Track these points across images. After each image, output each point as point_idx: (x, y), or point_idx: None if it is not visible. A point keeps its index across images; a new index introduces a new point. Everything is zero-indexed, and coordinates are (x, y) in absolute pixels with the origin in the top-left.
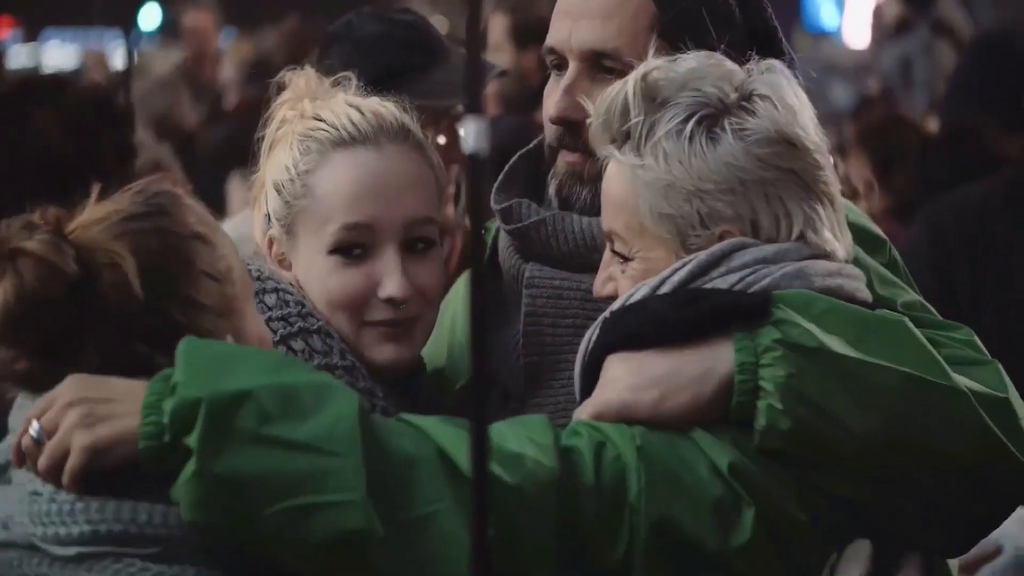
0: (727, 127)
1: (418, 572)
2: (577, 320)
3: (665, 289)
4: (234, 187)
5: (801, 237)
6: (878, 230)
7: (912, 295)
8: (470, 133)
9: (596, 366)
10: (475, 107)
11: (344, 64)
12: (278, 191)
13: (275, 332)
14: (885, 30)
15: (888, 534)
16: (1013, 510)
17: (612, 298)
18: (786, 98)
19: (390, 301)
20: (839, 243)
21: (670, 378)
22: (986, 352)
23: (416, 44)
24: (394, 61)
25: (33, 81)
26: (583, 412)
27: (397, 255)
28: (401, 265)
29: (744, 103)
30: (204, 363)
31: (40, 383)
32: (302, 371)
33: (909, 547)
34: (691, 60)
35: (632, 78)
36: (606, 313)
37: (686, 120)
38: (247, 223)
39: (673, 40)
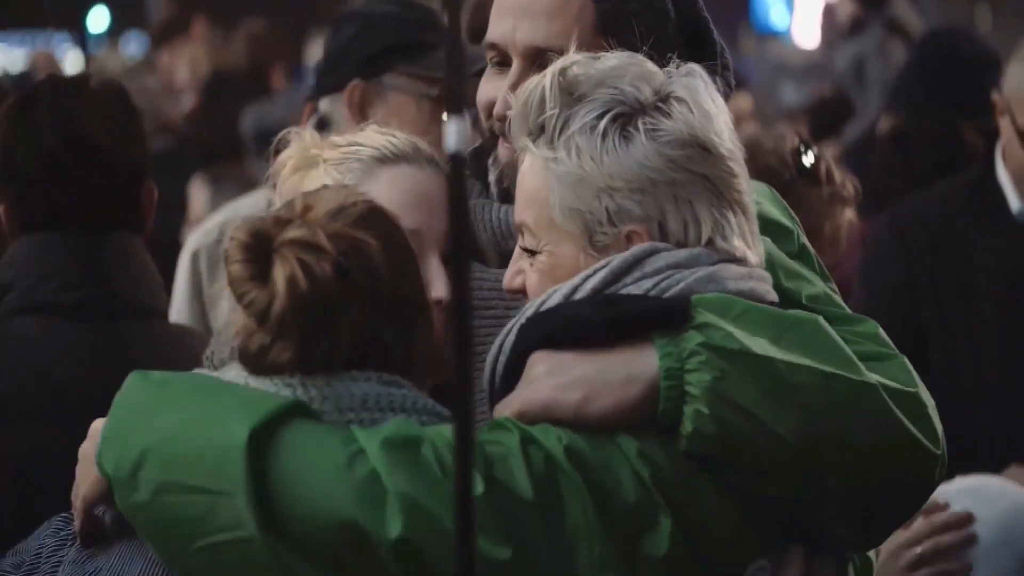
0: (640, 127)
1: None
2: (498, 311)
3: (580, 295)
4: (195, 188)
5: (710, 243)
6: (782, 217)
7: (818, 286)
8: (451, 133)
9: (515, 368)
10: (456, 107)
11: (357, 35)
12: None
13: None
14: (838, 30)
15: (807, 534)
16: (925, 500)
17: (521, 291)
18: (702, 103)
19: (438, 303)
20: (750, 251)
21: (595, 379)
22: (892, 346)
23: (427, 23)
24: (406, 35)
25: (57, 81)
26: (506, 409)
27: (442, 262)
28: (446, 271)
29: (660, 104)
30: (125, 415)
31: (291, 370)
32: (211, 393)
33: (825, 544)
34: (612, 59)
35: (551, 71)
36: (521, 319)
37: (600, 116)
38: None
39: (610, 33)
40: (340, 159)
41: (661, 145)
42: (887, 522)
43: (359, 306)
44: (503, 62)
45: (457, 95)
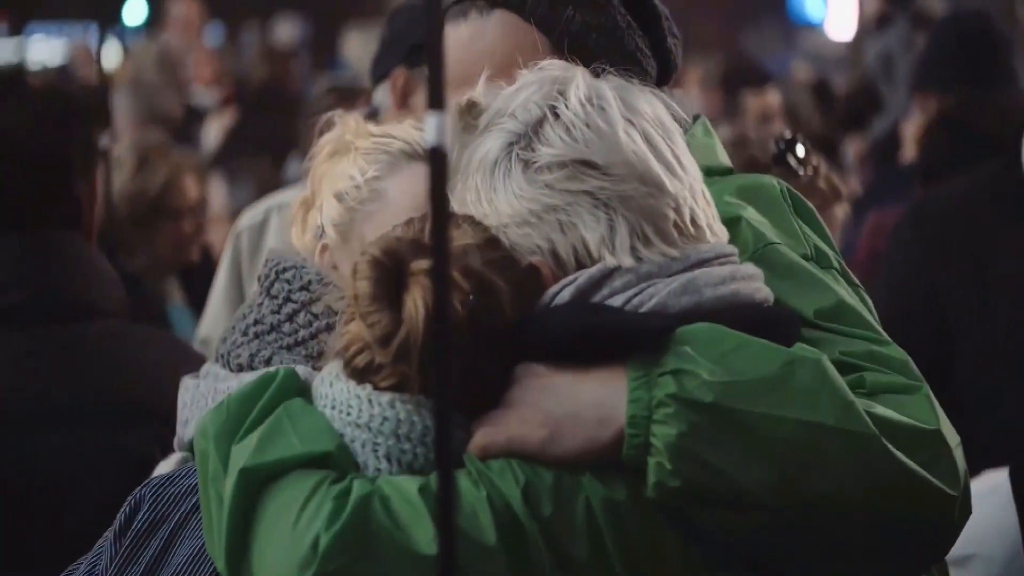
0: (515, 157)
1: None
2: None
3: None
4: (212, 184)
5: (600, 259)
6: (780, 221)
7: (833, 295)
8: (431, 127)
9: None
10: (436, 102)
11: (407, 25)
12: (339, 199)
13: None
14: (866, 25)
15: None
16: (947, 542)
17: None
18: (587, 116)
19: None
20: (655, 252)
21: (563, 418)
22: (918, 375)
23: None
24: None
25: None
26: (474, 443)
27: None
28: None
29: (538, 128)
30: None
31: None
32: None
33: None
34: (521, 80)
35: (453, 108)
36: None
37: (491, 151)
38: None
39: (572, 53)
40: (370, 149)
41: (534, 172)
42: (905, 564)
43: (476, 345)
44: None
45: (438, 90)
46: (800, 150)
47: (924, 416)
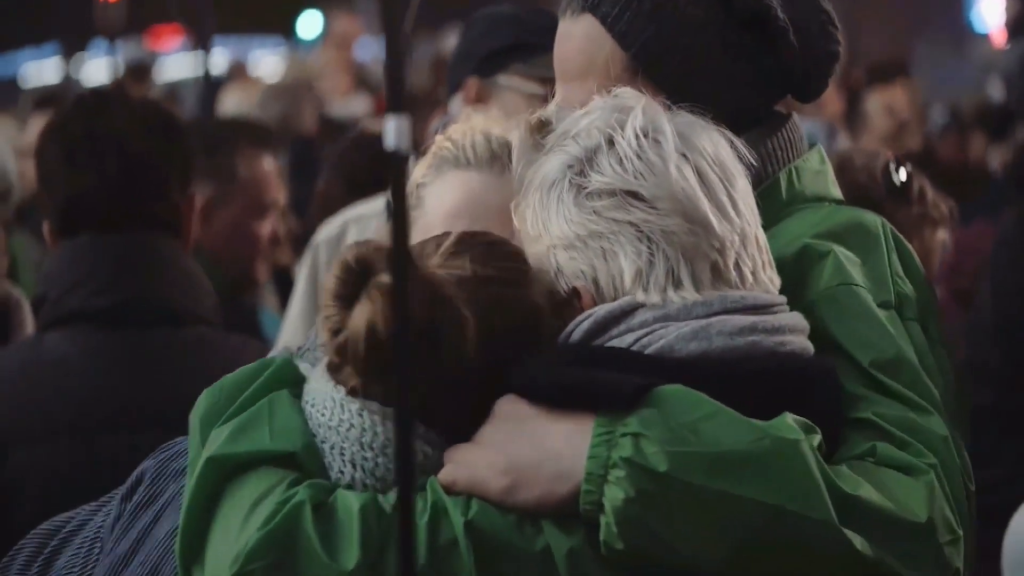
0: (570, 182)
1: None
2: None
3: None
4: None
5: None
6: (863, 268)
7: (893, 349)
8: (390, 131)
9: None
10: (396, 104)
11: (480, 35)
12: None
13: None
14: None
15: None
16: None
17: None
18: (639, 148)
19: None
20: (691, 293)
21: (525, 468)
22: (946, 453)
23: (544, 27)
24: (523, 36)
25: (92, 90)
26: (440, 475)
27: None
28: None
29: (593, 155)
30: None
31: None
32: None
33: None
34: (590, 106)
35: (523, 125)
36: None
37: (550, 173)
38: None
39: (645, 74)
40: (433, 153)
41: (584, 198)
42: None
43: (429, 371)
44: None
45: (398, 93)
46: (903, 174)
47: (915, 506)
